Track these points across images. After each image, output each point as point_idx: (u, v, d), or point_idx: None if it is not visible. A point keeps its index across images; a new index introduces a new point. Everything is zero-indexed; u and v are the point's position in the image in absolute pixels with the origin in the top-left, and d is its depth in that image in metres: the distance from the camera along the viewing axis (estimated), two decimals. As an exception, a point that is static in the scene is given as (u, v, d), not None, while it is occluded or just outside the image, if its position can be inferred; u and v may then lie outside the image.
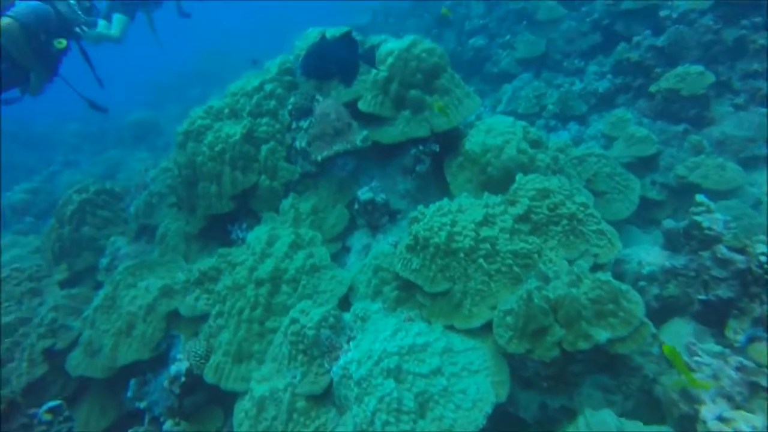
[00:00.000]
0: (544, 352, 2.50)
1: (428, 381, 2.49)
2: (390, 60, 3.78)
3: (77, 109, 14.57)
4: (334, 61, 3.34)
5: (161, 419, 3.26)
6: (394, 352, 2.54)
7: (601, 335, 2.42)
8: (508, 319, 2.66)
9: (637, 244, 4.51)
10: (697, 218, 3.04)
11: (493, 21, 7.82)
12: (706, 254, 2.99)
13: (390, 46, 3.83)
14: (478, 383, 2.56)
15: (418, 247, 3.10)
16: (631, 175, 4.50)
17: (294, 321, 2.79)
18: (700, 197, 3.16)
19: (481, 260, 2.97)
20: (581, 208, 3.31)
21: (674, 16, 5.31)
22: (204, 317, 3.47)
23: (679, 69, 4.76)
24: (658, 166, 4.70)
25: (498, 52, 7.26)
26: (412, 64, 3.73)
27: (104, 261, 4.81)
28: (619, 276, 3.59)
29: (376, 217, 3.82)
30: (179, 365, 3.10)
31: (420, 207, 3.31)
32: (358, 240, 3.86)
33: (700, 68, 4.63)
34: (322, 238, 3.79)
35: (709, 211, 3.08)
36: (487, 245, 2.99)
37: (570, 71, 6.51)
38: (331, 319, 2.73)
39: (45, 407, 3.35)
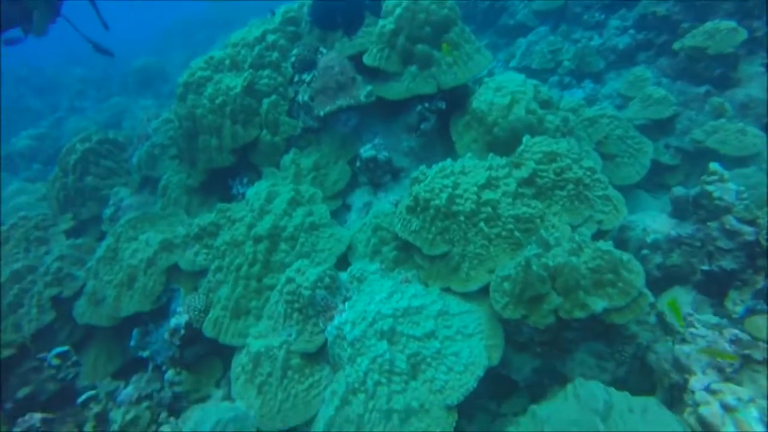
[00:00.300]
0: (540, 319, 2.49)
1: (422, 343, 2.51)
2: (398, 11, 3.57)
3: (83, 52, 14.31)
4: (341, 10, 3.16)
5: (163, 368, 3.36)
6: (389, 314, 2.55)
7: (598, 305, 2.39)
8: (506, 284, 2.64)
9: (645, 210, 4.41)
10: (709, 187, 2.93)
11: (511, -33, 7.35)
12: (713, 225, 2.90)
13: (397, -5, 3.61)
14: (472, 347, 2.58)
15: (419, 209, 3.05)
16: (645, 139, 4.34)
17: (290, 280, 2.79)
18: (713, 165, 3.03)
19: (481, 224, 2.92)
20: (588, 173, 3.21)
21: (707, -34, 4.92)
22: (203, 272, 3.50)
23: (709, 25, 4.45)
24: (675, 129, 4.51)
25: (514, 3, 6.86)
26: (420, 16, 3.53)
27: (108, 211, 4.83)
28: (623, 242, 3.54)
29: (378, 175, 3.76)
30: (179, 318, 3.16)
31: (422, 167, 3.23)
32: (359, 197, 3.81)
33: (732, 24, 4.33)
34: (323, 195, 3.74)
35: (722, 180, 2.96)
36: (489, 209, 2.93)
37: (590, 25, 6.15)
38: (327, 280, 2.73)
39: (54, 352, 3.46)
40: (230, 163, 3.96)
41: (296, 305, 2.76)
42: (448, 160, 3.20)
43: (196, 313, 3.21)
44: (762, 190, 3.34)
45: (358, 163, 3.72)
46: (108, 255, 3.86)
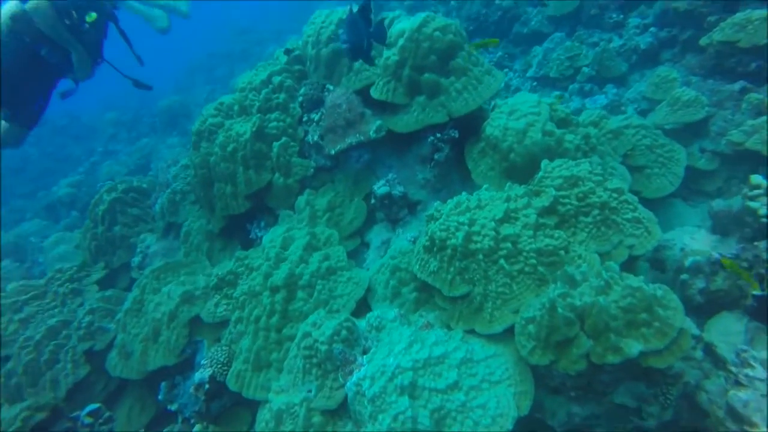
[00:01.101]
0: (570, 365, 2.32)
1: (445, 396, 2.38)
2: (401, 42, 3.49)
3: (115, 97, 14.93)
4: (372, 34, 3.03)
5: (191, 421, 3.34)
6: (409, 367, 2.42)
7: (633, 348, 2.19)
8: (530, 327, 2.47)
9: (682, 221, 4.14)
10: (753, 204, 2.68)
11: (522, -25, 7.18)
12: (762, 244, 2.65)
13: (400, 26, 3.53)
14: (499, 396, 2.42)
15: (435, 249, 2.93)
16: (677, 145, 4.06)
17: (306, 335, 2.72)
18: (755, 178, 2.78)
19: (502, 261, 2.76)
20: (614, 195, 3.01)
21: (731, -47, 4.61)
22: (225, 322, 3.48)
23: (739, 16, 4.15)
24: (708, 132, 4.22)
25: (527, 10, 6.67)
26: (424, 45, 3.43)
27: (136, 260, 4.93)
28: (660, 263, 3.29)
29: (395, 211, 3.66)
30: (203, 373, 3.13)
31: (437, 204, 3.11)
32: (377, 235, 3.72)
33: (765, 12, 4.01)
34: (341, 234, 3.68)
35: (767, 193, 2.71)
36: (509, 244, 2.77)
37: (608, 26, 5.89)
38: (344, 332, 2.64)
39: (86, 410, 3.51)
40: (246, 209, 3.95)
41: (314, 360, 2.68)
42: (464, 194, 3.08)
43: (219, 366, 3.18)
44: (813, 198, 3.04)
45: (373, 200, 3.64)
46: (134, 307, 3.91)
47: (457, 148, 3.70)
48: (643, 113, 5.00)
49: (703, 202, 4.30)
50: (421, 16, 3.51)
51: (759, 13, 4.02)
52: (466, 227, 2.84)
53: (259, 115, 3.88)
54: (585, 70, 5.46)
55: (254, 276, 3.37)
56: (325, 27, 3.81)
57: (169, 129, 10.73)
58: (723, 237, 3.05)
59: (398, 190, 3.59)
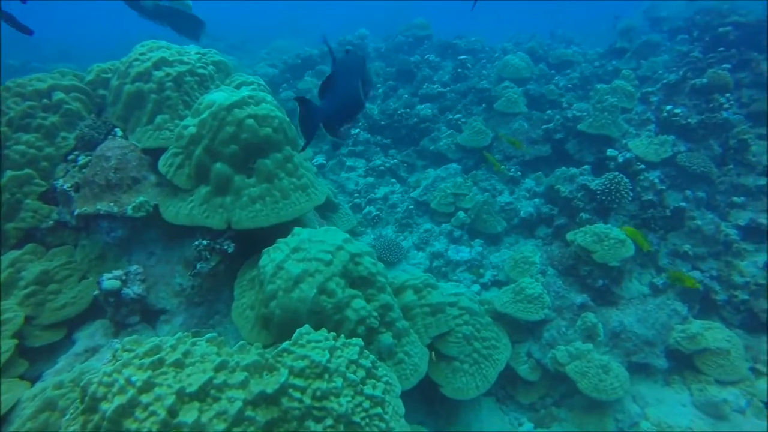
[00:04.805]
0: None
1: None
2: (205, 115, 2.76)
3: (23, 39, 13.25)
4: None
5: None
6: None
7: None
8: None
9: (481, 428, 3.56)
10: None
11: (453, 92, 6.99)
12: None
13: (214, 96, 2.81)
14: None
15: (85, 405, 2.02)
16: (503, 341, 3.52)
17: None
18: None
19: (157, 461, 1.90)
20: (366, 404, 2.29)
21: (620, 160, 4.46)
22: None
23: (600, 227, 3.86)
24: (542, 335, 3.75)
25: (440, 128, 6.37)
26: (228, 129, 2.71)
27: None
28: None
29: (123, 314, 2.75)
30: None
31: (130, 338, 2.24)
32: (89, 336, 2.76)
33: (621, 236, 3.73)
34: (41, 322, 2.70)
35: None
36: (176, 441, 1.93)
37: (505, 177, 5.62)
38: None
39: None
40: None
41: None
42: (171, 339, 2.24)
43: None
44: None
45: (96, 292, 2.72)
46: None
47: (239, 260, 2.93)
48: (498, 284, 4.57)
49: (514, 411, 3.76)
50: (241, 94, 2.82)
51: (616, 233, 3.73)
52: (132, 391, 1.97)
53: (5, 128, 2.93)
54: (461, 215, 5.03)
55: None
56: (140, 61, 3.04)
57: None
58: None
59: (134, 290, 2.71)
